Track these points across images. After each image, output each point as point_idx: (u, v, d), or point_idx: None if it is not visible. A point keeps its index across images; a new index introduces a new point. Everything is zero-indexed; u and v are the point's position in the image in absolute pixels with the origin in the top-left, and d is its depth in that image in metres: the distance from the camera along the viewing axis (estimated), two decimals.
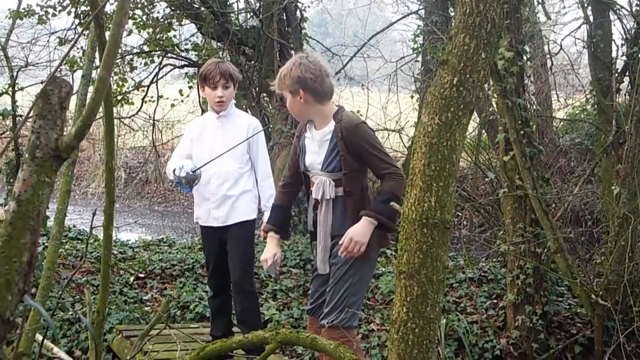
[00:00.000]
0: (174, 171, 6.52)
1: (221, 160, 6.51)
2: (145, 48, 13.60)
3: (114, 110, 14.03)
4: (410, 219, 3.67)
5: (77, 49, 13.20)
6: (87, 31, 6.44)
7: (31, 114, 2.56)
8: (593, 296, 8.44)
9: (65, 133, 2.55)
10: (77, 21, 12.72)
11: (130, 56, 13.69)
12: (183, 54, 13.83)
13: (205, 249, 7.11)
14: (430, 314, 3.71)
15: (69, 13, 12.77)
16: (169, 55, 13.72)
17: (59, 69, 12.80)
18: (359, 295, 5.50)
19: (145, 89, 13.84)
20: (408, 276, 3.69)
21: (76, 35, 12.87)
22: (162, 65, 13.87)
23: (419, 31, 14.76)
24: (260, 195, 6.78)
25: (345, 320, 5.36)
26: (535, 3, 13.91)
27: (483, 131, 15.79)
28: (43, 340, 4.18)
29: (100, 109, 2.85)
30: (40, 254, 8.83)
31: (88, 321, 3.40)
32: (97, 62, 4.68)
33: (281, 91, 5.53)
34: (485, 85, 12.62)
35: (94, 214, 3.89)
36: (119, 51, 13.17)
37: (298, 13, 13.14)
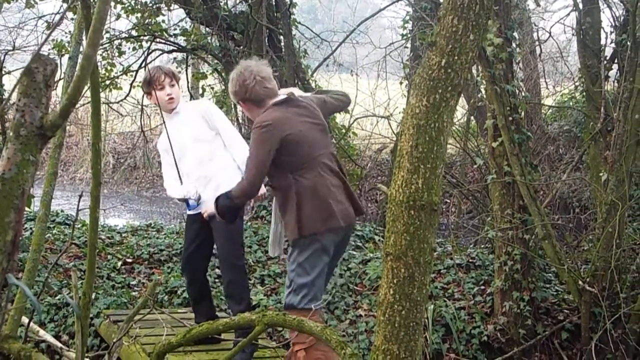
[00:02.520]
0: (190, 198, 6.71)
1: (192, 150, 6.72)
2: (134, 33, 13.56)
3: (103, 95, 14.01)
4: (398, 200, 3.66)
5: (65, 33, 13.15)
6: (76, 15, 6.43)
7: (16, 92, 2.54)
8: (580, 282, 8.45)
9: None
10: (64, 5, 12.65)
11: (119, 41, 13.63)
12: (171, 39, 13.78)
13: (188, 236, 7.07)
14: (417, 296, 3.71)
15: None
16: (158, 40, 13.66)
17: (47, 53, 12.75)
18: (309, 278, 5.67)
19: (134, 73, 13.79)
20: (395, 258, 3.69)
21: (63, 17, 12.81)
22: (150, 50, 13.81)
23: (408, 17, 14.74)
24: (235, 158, 6.81)
25: (294, 302, 5.67)
26: None
27: (472, 117, 15.79)
28: (29, 323, 4.16)
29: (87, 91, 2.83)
30: (27, 238, 8.81)
31: (75, 303, 3.38)
32: (84, 44, 4.67)
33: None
34: (475, 71, 12.63)
35: (80, 196, 3.87)
36: (108, 35, 13.15)
37: None
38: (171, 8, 13.59)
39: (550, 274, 9.58)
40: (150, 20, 13.14)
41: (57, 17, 13.26)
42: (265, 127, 5.58)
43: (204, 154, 6.71)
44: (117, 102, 15.52)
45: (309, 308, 5.60)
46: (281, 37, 12.85)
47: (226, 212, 5.79)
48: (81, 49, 5.66)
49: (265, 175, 5.68)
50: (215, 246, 6.96)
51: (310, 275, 5.67)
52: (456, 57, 3.59)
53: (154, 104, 7.18)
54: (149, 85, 6.89)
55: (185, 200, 6.73)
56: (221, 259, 6.84)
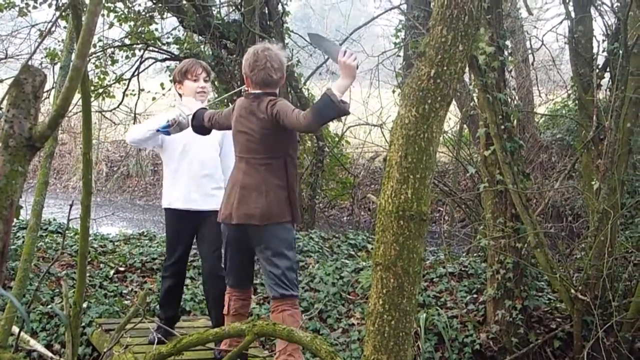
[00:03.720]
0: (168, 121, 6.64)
1: (201, 146, 6.77)
2: (127, 41, 13.55)
3: (96, 103, 13.99)
4: (387, 211, 3.67)
5: (59, 41, 13.15)
6: (68, 24, 6.45)
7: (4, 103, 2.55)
8: (572, 291, 8.47)
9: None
10: (57, 13, 12.65)
11: (112, 49, 13.62)
12: (164, 48, 13.77)
13: (172, 233, 7.09)
14: (407, 306, 3.71)
15: (49, 5, 12.70)
16: (151, 48, 13.66)
17: (39, 62, 12.74)
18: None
19: (127, 82, 13.79)
20: (384, 268, 3.69)
21: (55, 26, 12.78)
22: (143, 59, 13.81)
23: (400, 26, 14.76)
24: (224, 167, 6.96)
25: None
26: None
27: (464, 126, 15.81)
28: (19, 332, 4.16)
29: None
30: (19, 247, 8.80)
31: (63, 313, 3.38)
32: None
33: None
34: (467, 79, 12.64)
35: (71, 206, 3.88)
36: (101, 44, 13.14)
37: (280, 7, 13.11)
38: (164, 16, 13.59)
39: (542, 283, 9.60)
40: (143, 28, 13.14)
41: (49, 25, 13.24)
42: (231, 106, 6.24)
43: (210, 159, 6.85)
44: (110, 111, 15.49)
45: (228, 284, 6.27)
46: None
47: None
48: (72, 59, 5.67)
49: (217, 120, 6.25)
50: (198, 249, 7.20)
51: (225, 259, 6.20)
52: (445, 68, 3.60)
53: (180, 95, 7.13)
54: (184, 74, 6.91)
55: (167, 127, 6.62)
56: (208, 270, 6.92)
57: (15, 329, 4.99)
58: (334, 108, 5.32)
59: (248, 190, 5.87)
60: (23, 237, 9.24)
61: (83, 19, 3.82)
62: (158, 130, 6.66)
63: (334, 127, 17.13)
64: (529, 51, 16.75)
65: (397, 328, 3.69)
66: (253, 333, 3.55)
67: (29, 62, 2.65)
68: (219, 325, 6.38)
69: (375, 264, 3.75)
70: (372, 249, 10.96)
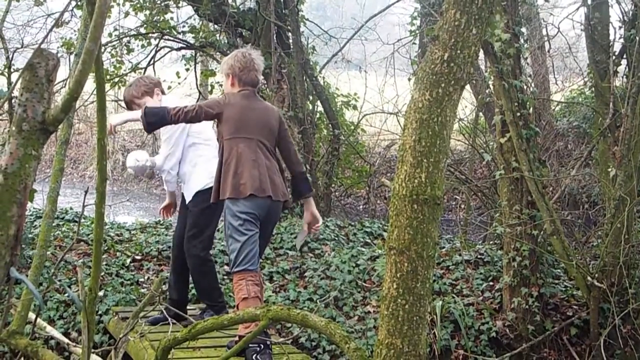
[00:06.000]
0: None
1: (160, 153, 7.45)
2: (142, 30, 13.58)
3: (112, 92, 14.01)
4: (401, 195, 3.66)
5: (74, 31, 13.17)
6: (83, 12, 6.50)
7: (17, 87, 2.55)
8: (589, 278, 8.44)
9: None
10: (73, 3, 12.68)
11: (127, 38, 13.65)
12: (180, 37, 13.80)
13: (180, 220, 7.50)
14: (421, 290, 3.71)
15: None
16: (166, 37, 13.69)
17: (55, 52, 12.76)
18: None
19: (143, 71, 13.80)
20: (398, 252, 3.69)
21: (71, 15, 12.80)
22: (159, 48, 13.84)
23: (416, 14, 14.71)
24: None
25: None
26: None
27: (480, 113, 15.77)
28: (36, 319, 4.18)
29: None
30: (36, 236, 8.83)
31: (76, 296, 3.39)
32: None
33: (221, 74, 6.86)
34: (482, 67, 12.58)
35: (86, 192, 3.89)
36: (116, 33, 13.16)
37: None
38: (179, 5, 13.60)
39: (558, 270, 9.57)
40: (158, 17, 13.16)
41: (66, 15, 13.26)
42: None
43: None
44: None
45: None
46: (289, 34, 12.83)
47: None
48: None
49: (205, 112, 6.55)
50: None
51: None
52: (459, 51, 3.59)
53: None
54: (144, 94, 7.40)
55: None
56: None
57: (31, 316, 5.02)
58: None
59: (270, 170, 6.42)
60: (40, 225, 9.29)
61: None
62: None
63: (349, 115, 17.11)
64: (545, 38, 16.68)
65: (411, 312, 3.69)
66: (267, 318, 3.55)
67: (39, 43, 2.65)
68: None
69: (389, 248, 3.75)
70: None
